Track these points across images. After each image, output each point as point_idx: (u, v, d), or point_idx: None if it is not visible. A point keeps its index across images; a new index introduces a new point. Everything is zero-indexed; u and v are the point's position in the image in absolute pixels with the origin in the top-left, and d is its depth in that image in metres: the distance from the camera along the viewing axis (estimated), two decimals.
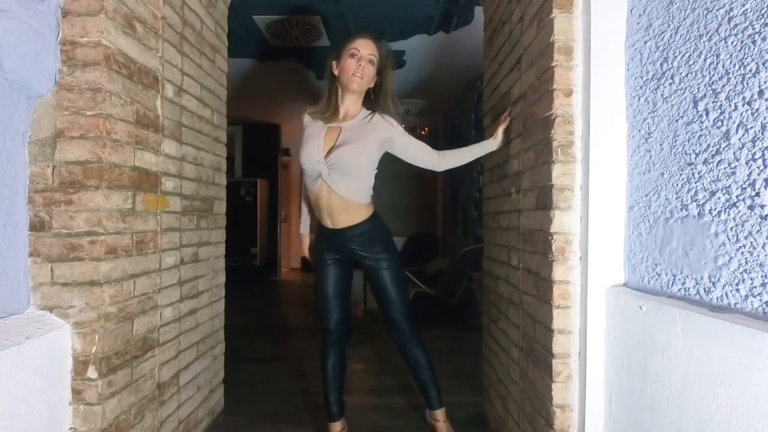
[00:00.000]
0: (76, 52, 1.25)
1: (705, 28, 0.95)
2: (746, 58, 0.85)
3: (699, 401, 0.88)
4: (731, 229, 0.87)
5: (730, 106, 0.88)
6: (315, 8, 3.07)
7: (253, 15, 3.19)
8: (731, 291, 0.87)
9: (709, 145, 0.94)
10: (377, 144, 1.69)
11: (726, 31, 0.90)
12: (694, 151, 0.98)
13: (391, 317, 1.77)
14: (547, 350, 1.33)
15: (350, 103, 1.74)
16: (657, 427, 1.01)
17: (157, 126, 1.55)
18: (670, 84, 1.06)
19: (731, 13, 0.88)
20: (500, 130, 1.71)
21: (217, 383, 2.17)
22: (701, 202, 0.95)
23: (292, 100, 5.44)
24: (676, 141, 1.03)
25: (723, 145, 0.90)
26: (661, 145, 1.09)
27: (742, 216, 0.85)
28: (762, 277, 0.80)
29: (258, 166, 6.80)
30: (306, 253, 2.00)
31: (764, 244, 0.80)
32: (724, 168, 0.89)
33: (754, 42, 0.83)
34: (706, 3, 0.95)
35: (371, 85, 1.74)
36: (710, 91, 0.94)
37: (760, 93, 0.82)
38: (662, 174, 1.08)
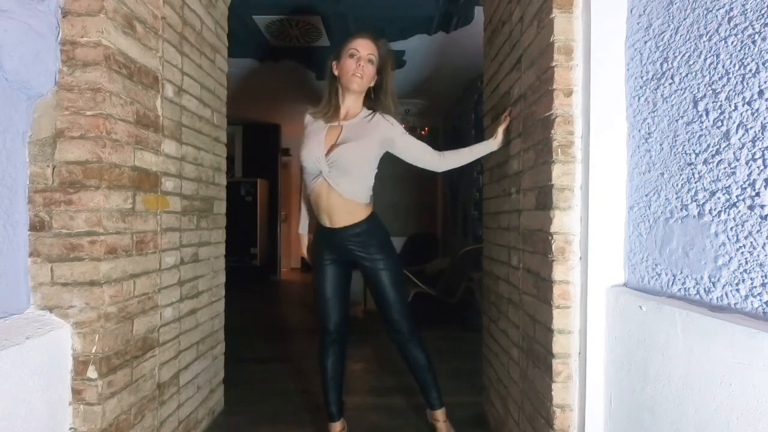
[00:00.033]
0: (76, 52, 1.25)
1: (705, 28, 0.95)
2: (746, 58, 0.85)
3: (699, 401, 0.88)
4: (731, 229, 0.87)
5: (730, 106, 0.88)
6: (315, 8, 3.07)
7: (253, 15, 3.19)
8: (731, 291, 0.87)
9: (709, 145, 0.94)
10: (378, 143, 1.69)
11: (726, 31, 0.90)
12: (694, 151, 0.98)
13: (390, 318, 1.76)
14: (547, 350, 1.33)
15: (351, 103, 1.74)
16: (657, 427, 1.01)
17: (157, 126, 1.55)
18: (670, 84, 1.06)
19: (731, 13, 0.88)
20: (500, 130, 1.72)
21: (217, 383, 2.17)
22: (701, 202, 0.95)
23: (292, 100, 5.44)
24: (676, 141, 1.03)
25: (723, 145, 0.90)
26: (661, 145, 1.09)
27: (742, 216, 0.85)
28: (762, 277, 0.80)
29: (258, 166, 6.80)
30: (304, 253, 2.00)
31: (764, 244, 0.80)
32: (724, 168, 0.89)
33: (754, 42, 0.83)
34: (706, 3, 0.95)
35: (371, 84, 1.75)
36: (710, 91, 0.94)
37: (760, 93, 0.82)
38: (662, 174, 1.08)
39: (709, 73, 0.94)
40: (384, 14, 3.18)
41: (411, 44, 3.71)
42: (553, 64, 1.29)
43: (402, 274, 1.81)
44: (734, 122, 0.87)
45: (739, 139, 0.86)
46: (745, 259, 0.84)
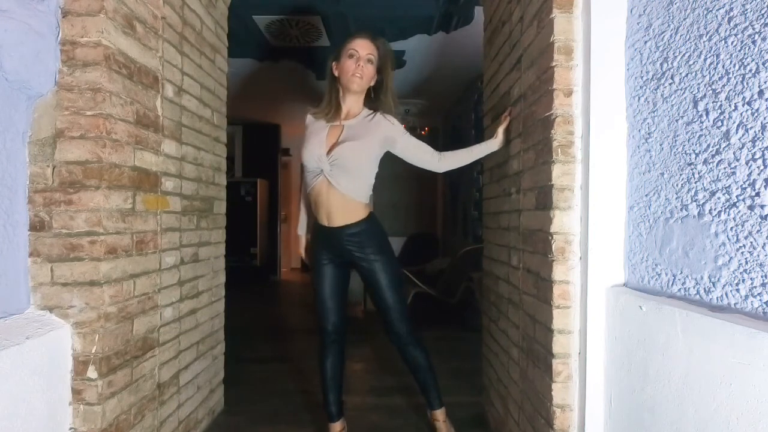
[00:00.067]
0: (76, 52, 1.25)
1: (705, 28, 0.95)
2: (746, 58, 0.85)
3: (699, 401, 0.88)
4: (731, 229, 0.87)
5: (730, 106, 0.88)
6: (315, 8, 3.07)
7: (253, 15, 3.19)
8: (731, 291, 0.87)
9: (709, 145, 0.94)
10: (379, 142, 1.70)
11: (726, 31, 0.90)
12: (694, 151, 0.98)
13: (388, 319, 1.76)
14: (547, 350, 1.33)
15: (352, 103, 1.75)
16: (657, 427, 1.01)
17: (157, 126, 1.55)
18: (670, 84, 1.06)
19: (731, 13, 0.88)
20: (500, 130, 1.72)
21: (217, 383, 2.17)
22: (701, 202, 0.95)
23: (292, 100, 5.44)
24: (676, 141, 1.04)
25: (723, 145, 0.90)
26: (661, 145, 1.09)
27: (742, 216, 0.85)
28: (762, 277, 0.80)
29: (258, 166, 6.80)
30: (303, 253, 2.00)
31: (764, 244, 0.80)
32: (724, 168, 0.89)
33: (754, 42, 0.83)
34: (706, 3, 0.95)
35: (372, 84, 1.75)
36: (710, 91, 0.94)
37: (760, 93, 0.82)
38: (662, 174, 1.08)
39: (709, 73, 0.94)
40: (384, 14, 3.18)
41: (411, 44, 3.71)
42: (553, 64, 1.29)
43: (400, 276, 1.80)
44: (734, 122, 0.87)
45: (739, 139, 0.86)
46: (745, 259, 0.84)
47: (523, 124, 1.55)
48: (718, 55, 0.92)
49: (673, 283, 1.03)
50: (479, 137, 1.96)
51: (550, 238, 1.31)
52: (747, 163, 0.84)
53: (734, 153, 0.87)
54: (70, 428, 1.27)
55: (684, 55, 1.01)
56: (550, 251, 1.31)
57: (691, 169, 0.99)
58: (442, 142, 6.31)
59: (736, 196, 0.86)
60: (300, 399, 2.36)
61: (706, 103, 0.94)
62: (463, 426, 1.98)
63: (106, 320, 1.29)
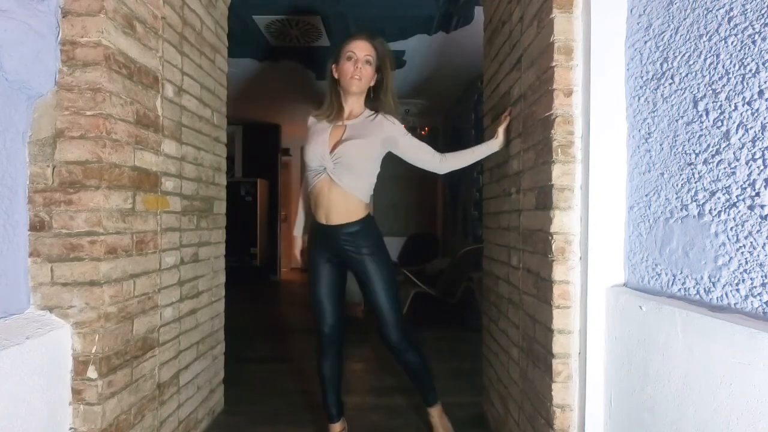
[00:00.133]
0: (76, 52, 1.25)
1: (705, 28, 0.95)
2: (746, 58, 0.85)
3: (699, 401, 0.88)
4: (731, 229, 0.87)
5: (730, 106, 0.88)
6: (315, 8, 3.07)
7: (253, 15, 3.19)
8: (731, 291, 0.87)
9: (709, 145, 0.94)
10: (380, 142, 1.71)
11: (726, 31, 0.90)
12: (694, 151, 0.98)
13: (381, 324, 1.73)
14: (547, 350, 1.33)
15: (353, 103, 1.76)
16: (657, 427, 1.01)
17: (157, 126, 1.55)
18: (670, 84, 1.06)
19: (731, 13, 0.88)
20: (500, 130, 1.72)
21: (217, 383, 2.17)
22: (701, 202, 0.95)
23: (292, 100, 5.44)
24: (676, 141, 1.04)
25: (723, 145, 0.90)
26: (661, 145, 1.09)
27: (742, 216, 0.85)
28: (762, 277, 0.80)
29: (258, 166, 6.80)
30: (298, 255, 1.99)
31: (764, 244, 0.80)
32: (724, 168, 0.89)
33: (754, 42, 0.83)
34: (706, 3, 0.95)
35: (372, 84, 1.76)
36: (710, 91, 0.94)
37: (760, 93, 0.82)
38: (662, 174, 1.08)
39: (709, 73, 0.94)
40: (384, 14, 3.18)
41: (411, 44, 3.71)
42: (553, 64, 1.29)
43: (394, 279, 1.77)
44: (734, 122, 0.87)
45: (739, 139, 0.86)
46: (745, 259, 0.84)
47: (523, 124, 1.55)
48: (718, 55, 0.92)
49: (673, 283, 1.03)
50: (479, 137, 1.97)
51: (550, 238, 1.31)
52: (747, 163, 0.84)
53: (734, 153, 0.87)
54: (70, 428, 1.27)
55: (684, 55, 1.01)
56: (550, 251, 1.31)
57: (691, 169, 0.99)
58: (442, 142, 6.31)
59: (736, 196, 0.86)
60: (300, 399, 2.36)
61: (706, 103, 0.94)
62: (463, 426, 1.98)
63: (106, 320, 1.29)
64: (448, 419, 1.92)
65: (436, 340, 3.41)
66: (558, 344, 1.29)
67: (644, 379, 1.05)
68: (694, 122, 0.98)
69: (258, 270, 6.46)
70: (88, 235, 1.26)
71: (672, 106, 1.05)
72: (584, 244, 1.27)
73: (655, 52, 1.11)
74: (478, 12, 2.99)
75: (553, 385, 1.30)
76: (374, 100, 1.78)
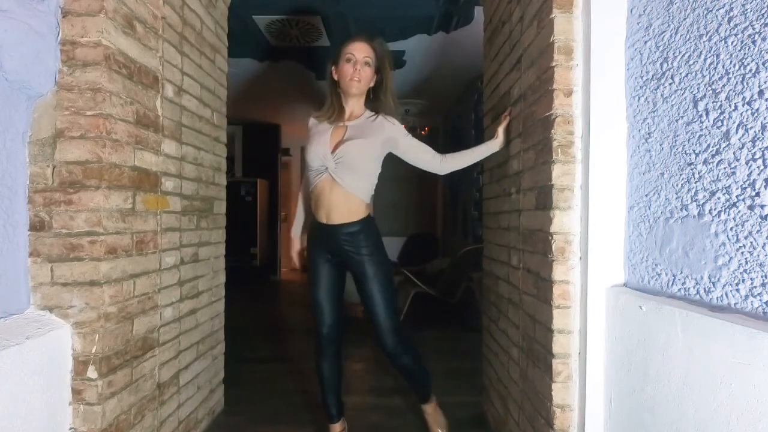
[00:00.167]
0: (76, 52, 1.25)
1: (705, 28, 0.95)
2: (746, 58, 0.85)
3: (699, 401, 0.88)
4: (731, 229, 0.87)
5: (730, 106, 0.88)
6: (315, 8, 3.07)
7: (253, 15, 3.19)
8: (731, 291, 0.87)
9: (709, 145, 0.94)
10: (381, 142, 1.71)
11: (726, 31, 0.90)
12: (694, 151, 0.98)
13: (376, 328, 1.72)
14: (547, 350, 1.33)
15: (354, 104, 1.77)
16: (657, 427, 1.01)
17: (157, 126, 1.55)
18: (670, 84, 1.06)
19: (731, 13, 0.88)
20: (500, 130, 1.72)
21: (217, 383, 2.17)
22: (701, 202, 0.95)
23: (292, 100, 5.44)
24: (676, 141, 1.04)
25: (723, 145, 0.90)
26: (661, 145, 1.09)
27: (742, 216, 0.85)
28: (762, 277, 0.80)
29: (258, 166, 6.79)
30: (294, 256, 1.99)
31: (764, 244, 0.80)
32: (724, 168, 0.89)
33: (754, 42, 0.83)
34: (706, 3, 0.95)
35: (371, 85, 1.76)
36: (710, 91, 0.94)
37: (760, 93, 0.82)
38: (662, 174, 1.08)
39: (709, 73, 0.94)
40: (384, 14, 3.18)
41: (411, 44, 3.71)
42: (553, 64, 1.29)
43: (392, 283, 1.76)
44: (734, 122, 0.87)
45: (739, 139, 0.86)
46: (745, 259, 0.84)
47: (523, 124, 1.55)
48: (718, 55, 0.92)
49: (673, 283, 1.03)
50: (479, 137, 1.97)
51: (550, 238, 1.31)
52: (747, 163, 0.84)
53: (734, 153, 0.87)
54: (70, 428, 1.27)
55: (684, 55, 1.01)
56: (550, 251, 1.31)
57: (691, 169, 0.99)
58: (442, 142, 6.31)
59: (736, 196, 0.86)
60: (300, 399, 2.36)
61: (706, 103, 0.94)
62: (463, 426, 1.98)
63: (106, 320, 1.29)
64: (442, 413, 1.94)
65: (436, 340, 3.41)
66: (558, 344, 1.29)
67: (644, 379, 1.05)
68: (694, 122, 0.98)
69: (258, 270, 6.46)
70: (88, 235, 1.26)
71: (672, 106, 1.05)
72: (584, 244, 1.27)
73: (655, 52, 1.11)
74: (478, 12, 2.99)
75: (553, 385, 1.30)
76: (374, 100, 1.79)
